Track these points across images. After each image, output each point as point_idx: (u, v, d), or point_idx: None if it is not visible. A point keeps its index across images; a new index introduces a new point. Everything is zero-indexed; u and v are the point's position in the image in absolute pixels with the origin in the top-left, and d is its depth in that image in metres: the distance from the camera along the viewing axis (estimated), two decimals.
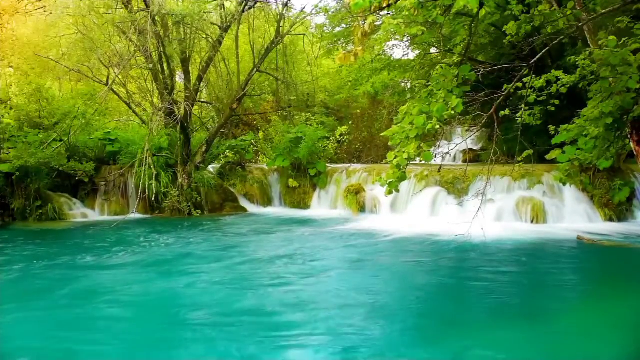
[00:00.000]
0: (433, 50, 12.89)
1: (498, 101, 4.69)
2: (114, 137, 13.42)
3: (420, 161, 4.33)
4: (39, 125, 12.69)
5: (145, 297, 5.56)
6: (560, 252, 7.57)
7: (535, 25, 5.12)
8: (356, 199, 12.27)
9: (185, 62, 13.48)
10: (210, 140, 14.13)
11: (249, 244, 8.57)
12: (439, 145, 5.32)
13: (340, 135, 17.26)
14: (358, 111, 20.38)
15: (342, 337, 4.27)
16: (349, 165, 14.79)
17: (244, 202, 13.82)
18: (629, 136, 5.37)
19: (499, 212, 10.18)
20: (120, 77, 12.62)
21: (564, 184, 6.34)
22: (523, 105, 5.95)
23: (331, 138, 16.08)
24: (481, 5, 3.89)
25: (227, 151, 14.76)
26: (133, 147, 12.72)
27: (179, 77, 15.28)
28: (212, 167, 14.80)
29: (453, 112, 3.88)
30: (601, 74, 4.95)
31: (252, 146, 15.71)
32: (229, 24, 13.49)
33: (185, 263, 7.12)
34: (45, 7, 15.68)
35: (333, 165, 14.59)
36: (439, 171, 11.04)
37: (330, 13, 16.16)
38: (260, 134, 16.99)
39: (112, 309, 5.14)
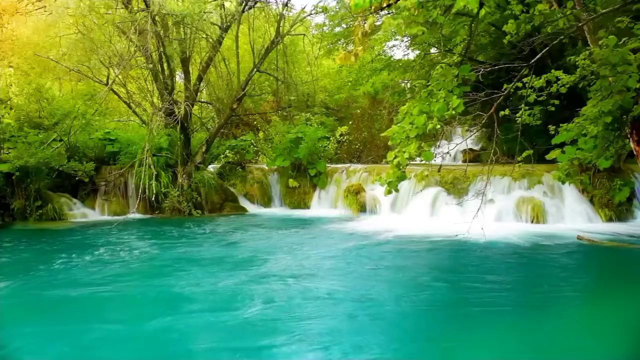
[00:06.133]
0: (433, 50, 12.89)
1: (498, 101, 4.70)
2: (114, 137, 13.43)
3: (421, 161, 4.33)
4: (39, 125, 12.69)
5: (145, 298, 5.55)
6: (560, 252, 7.56)
7: (535, 25, 5.12)
8: (356, 199, 12.27)
9: (185, 62, 13.49)
10: (210, 140, 14.13)
11: (249, 245, 8.57)
12: (439, 145, 5.33)
13: (340, 135, 17.25)
14: (358, 111, 20.37)
15: (342, 336, 4.26)
16: (349, 165, 14.79)
17: (244, 202, 13.83)
18: (629, 136, 5.38)
19: (499, 212, 10.18)
20: (120, 77, 12.61)
21: (563, 183, 6.34)
22: (523, 105, 5.96)
23: (331, 138, 16.08)
24: (481, 5, 3.89)
25: (227, 151, 14.76)
26: (133, 147, 12.72)
27: (179, 77, 15.28)
28: (212, 167, 14.80)
29: (453, 112, 3.88)
30: (601, 73, 4.95)
31: (252, 146, 15.71)
32: (229, 24, 13.49)
33: (185, 264, 7.11)
34: (45, 7, 15.66)
35: (333, 165, 14.59)
36: (439, 171, 11.02)
37: (330, 13, 16.17)
38: (260, 134, 17.00)
39: (113, 310, 5.15)
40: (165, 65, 12.94)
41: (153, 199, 11.65)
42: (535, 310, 4.91)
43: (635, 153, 5.40)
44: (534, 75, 5.68)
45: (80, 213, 12.12)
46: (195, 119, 15.51)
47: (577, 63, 5.95)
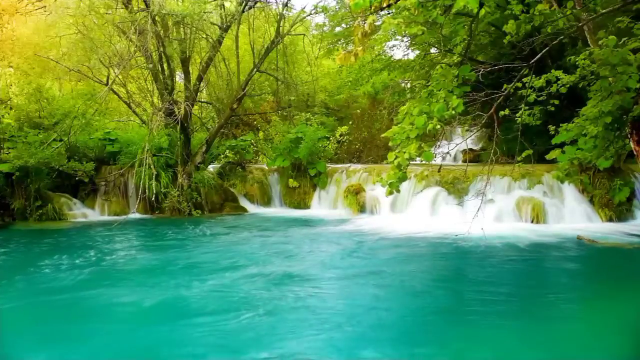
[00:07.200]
0: (433, 50, 12.89)
1: (498, 101, 4.70)
2: (114, 137, 13.43)
3: (421, 161, 4.33)
4: (39, 125, 12.69)
5: (143, 298, 5.50)
6: (560, 252, 7.57)
7: (535, 25, 5.12)
8: (356, 199, 12.27)
9: (185, 62, 13.49)
10: (210, 140, 14.13)
11: (249, 245, 8.56)
12: (439, 145, 5.33)
13: (340, 135, 17.27)
14: (358, 111, 20.38)
15: (341, 337, 4.27)
16: (349, 165, 14.80)
17: (244, 202, 13.83)
18: (629, 136, 5.38)
19: (499, 212, 10.18)
20: (120, 77, 12.62)
21: (562, 182, 6.34)
22: (523, 105, 5.96)
23: (331, 138, 16.09)
24: (481, 5, 3.89)
25: (227, 151, 14.77)
26: (133, 147, 12.72)
27: (179, 77, 15.28)
28: (212, 167, 14.80)
29: (453, 112, 3.89)
30: (601, 73, 4.95)
31: (252, 146, 15.71)
32: (229, 24, 13.49)
33: (184, 264, 7.10)
34: (45, 7, 15.66)
35: (333, 165, 14.59)
36: (439, 171, 11.03)
37: (330, 13, 16.17)
38: (260, 134, 17.00)
39: (112, 311, 5.12)
40: (165, 65, 12.94)
41: (153, 199, 11.65)
42: (535, 310, 4.91)
43: (635, 153, 5.40)
44: (534, 75, 5.68)
45: (80, 213, 12.12)
46: (195, 119, 15.51)
47: (577, 63, 5.95)
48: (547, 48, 5.41)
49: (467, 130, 14.45)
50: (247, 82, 14.22)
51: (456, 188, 11.35)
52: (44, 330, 4.58)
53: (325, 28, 17.52)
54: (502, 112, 6.38)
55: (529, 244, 8.08)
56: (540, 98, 6.28)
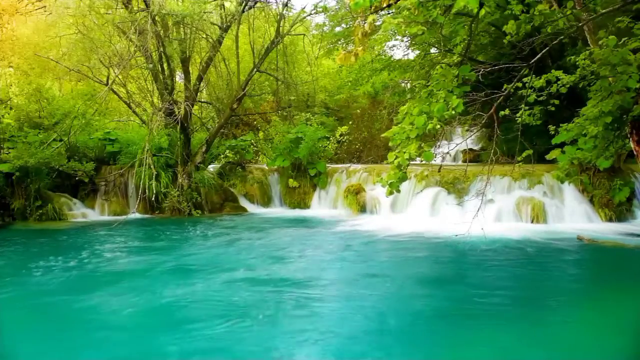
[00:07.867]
0: (433, 50, 12.89)
1: (498, 101, 4.69)
2: (114, 137, 13.44)
3: (421, 161, 4.32)
4: (39, 125, 12.70)
5: (143, 299, 5.50)
6: (560, 252, 7.57)
7: (535, 25, 5.12)
8: (356, 199, 12.27)
9: (185, 62, 13.49)
10: (210, 140, 14.13)
11: (248, 246, 8.56)
12: (439, 145, 5.33)
13: (340, 135, 17.28)
14: (358, 111, 20.39)
15: (341, 337, 4.26)
16: (349, 165, 14.79)
17: (244, 202, 13.83)
18: (629, 136, 5.37)
19: (499, 212, 10.18)
20: (120, 77, 12.62)
21: (562, 182, 6.33)
22: (523, 105, 5.95)
23: (331, 138, 16.09)
24: (481, 5, 3.88)
25: (227, 151, 14.77)
26: (133, 147, 12.73)
27: (179, 77, 15.28)
28: (212, 167, 14.81)
29: (453, 112, 3.88)
30: (601, 73, 4.95)
31: (252, 146, 15.72)
32: (229, 24, 13.49)
33: (183, 266, 7.08)
34: (45, 7, 15.69)
35: (333, 165, 14.60)
36: (439, 171, 11.04)
37: (330, 13, 16.17)
38: (260, 134, 17.00)
39: (111, 311, 5.10)
40: (165, 65, 12.94)
41: (153, 199, 11.65)
42: (535, 311, 4.91)
43: (635, 153, 5.40)
44: (534, 75, 5.67)
45: (80, 213, 12.12)
46: (195, 119, 15.51)
47: (577, 63, 5.94)
48: (547, 48, 5.40)
49: (467, 130, 14.45)
50: (247, 82, 14.22)
51: (456, 188, 11.35)
52: (37, 332, 4.57)
53: (325, 28, 17.51)
54: (502, 112, 6.37)
55: (529, 244, 8.08)
56: (540, 98, 6.27)
